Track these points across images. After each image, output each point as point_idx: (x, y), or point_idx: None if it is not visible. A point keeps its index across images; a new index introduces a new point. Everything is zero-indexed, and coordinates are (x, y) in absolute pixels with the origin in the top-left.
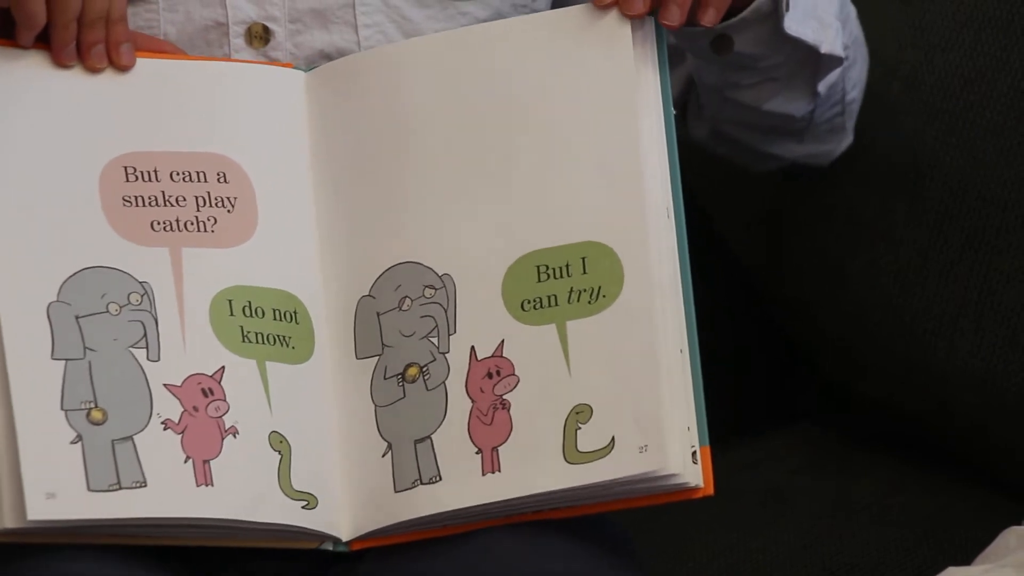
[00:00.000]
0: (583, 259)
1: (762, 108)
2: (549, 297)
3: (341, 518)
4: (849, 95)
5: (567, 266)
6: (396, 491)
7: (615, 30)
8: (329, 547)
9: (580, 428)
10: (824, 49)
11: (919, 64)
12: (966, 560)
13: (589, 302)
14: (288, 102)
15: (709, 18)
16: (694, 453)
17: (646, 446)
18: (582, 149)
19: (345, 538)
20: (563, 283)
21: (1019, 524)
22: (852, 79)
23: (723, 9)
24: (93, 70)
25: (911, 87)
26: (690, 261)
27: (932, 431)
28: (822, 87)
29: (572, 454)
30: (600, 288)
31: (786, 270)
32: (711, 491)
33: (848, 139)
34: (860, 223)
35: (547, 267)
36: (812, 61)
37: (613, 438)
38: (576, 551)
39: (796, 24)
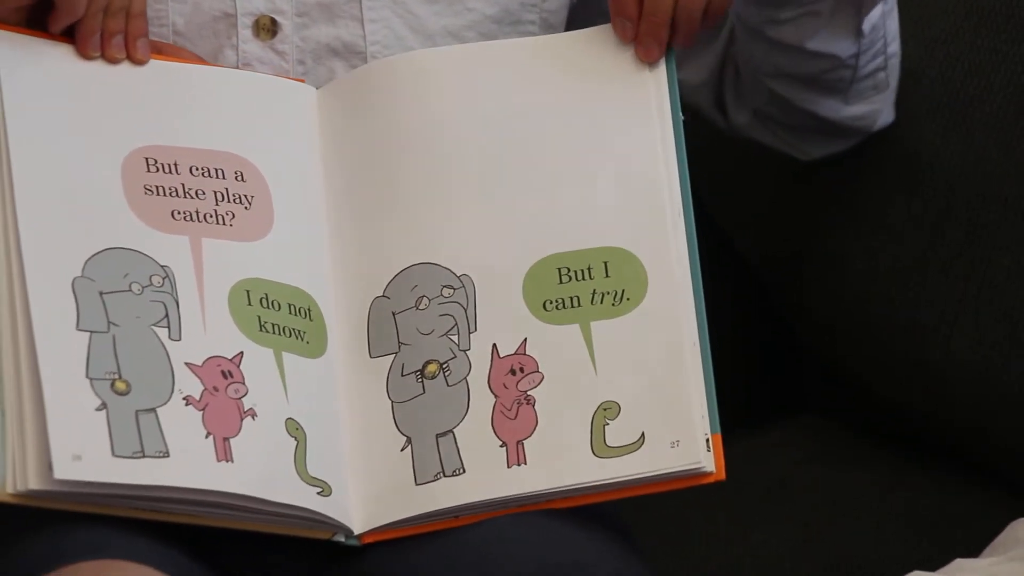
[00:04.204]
0: (605, 263)
1: (806, 46)
2: (572, 298)
3: (354, 510)
4: (891, 47)
5: (589, 269)
6: (417, 484)
7: (630, 47)
8: (341, 539)
9: (608, 424)
10: None
11: (919, 57)
12: (967, 554)
13: (613, 304)
14: (302, 114)
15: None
16: (707, 440)
17: (678, 441)
18: (601, 158)
19: (357, 531)
20: (585, 285)
21: None
22: (892, 31)
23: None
24: (112, 60)
25: (911, 81)
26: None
27: (932, 426)
28: (866, 25)
29: (601, 448)
30: (624, 291)
31: (787, 265)
32: (723, 476)
33: (890, 107)
34: (860, 218)
35: (568, 269)
36: None
37: (643, 434)
38: (582, 541)
39: None
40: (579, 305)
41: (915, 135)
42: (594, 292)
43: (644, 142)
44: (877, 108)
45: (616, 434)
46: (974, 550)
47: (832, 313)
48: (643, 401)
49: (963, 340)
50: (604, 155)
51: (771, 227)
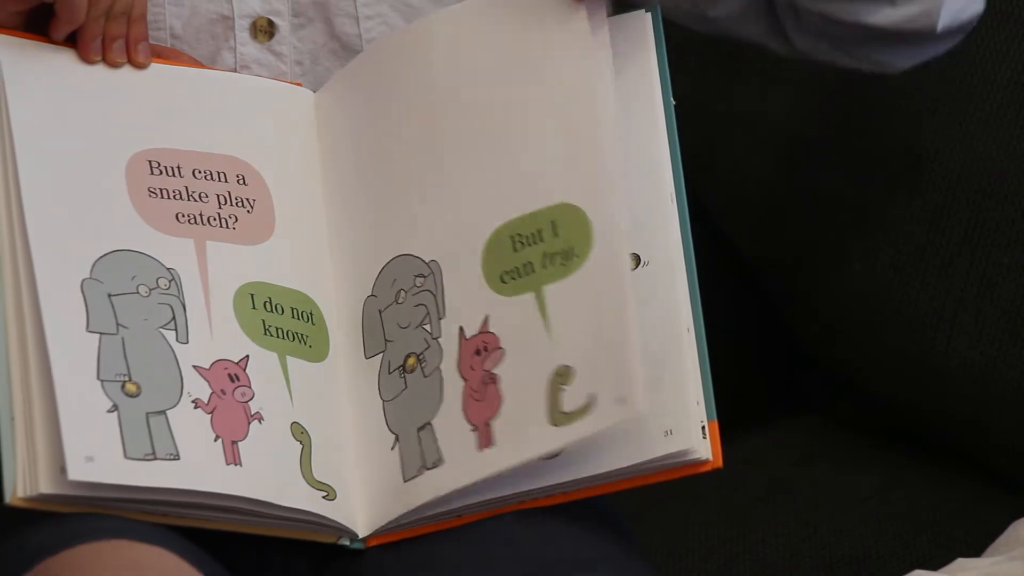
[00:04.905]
0: (552, 223)
1: None
2: (525, 265)
3: (357, 514)
4: None
5: (539, 232)
6: (405, 480)
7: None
8: (347, 542)
9: (563, 390)
10: None
11: None
12: (966, 552)
13: (563, 264)
14: (299, 117)
15: None
16: (703, 427)
17: (623, 397)
18: (544, 118)
19: (361, 534)
20: (536, 249)
21: None
22: None
23: None
24: (113, 64)
25: (911, 79)
26: (695, 256)
27: (933, 424)
28: None
29: (557, 417)
30: (572, 248)
31: (786, 263)
32: (720, 463)
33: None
34: (859, 215)
35: (520, 235)
36: None
37: (594, 395)
38: (584, 538)
39: None
40: (533, 272)
41: (915, 132)
42: (544, 255)
43: (582, 85)
44: (930, 7)
45: (570, 399)
46: (975, 549)
47: (832, 312)
48: (592, 359)
49: (963, 338)
50: (546, 108)
51: (771, 226)
